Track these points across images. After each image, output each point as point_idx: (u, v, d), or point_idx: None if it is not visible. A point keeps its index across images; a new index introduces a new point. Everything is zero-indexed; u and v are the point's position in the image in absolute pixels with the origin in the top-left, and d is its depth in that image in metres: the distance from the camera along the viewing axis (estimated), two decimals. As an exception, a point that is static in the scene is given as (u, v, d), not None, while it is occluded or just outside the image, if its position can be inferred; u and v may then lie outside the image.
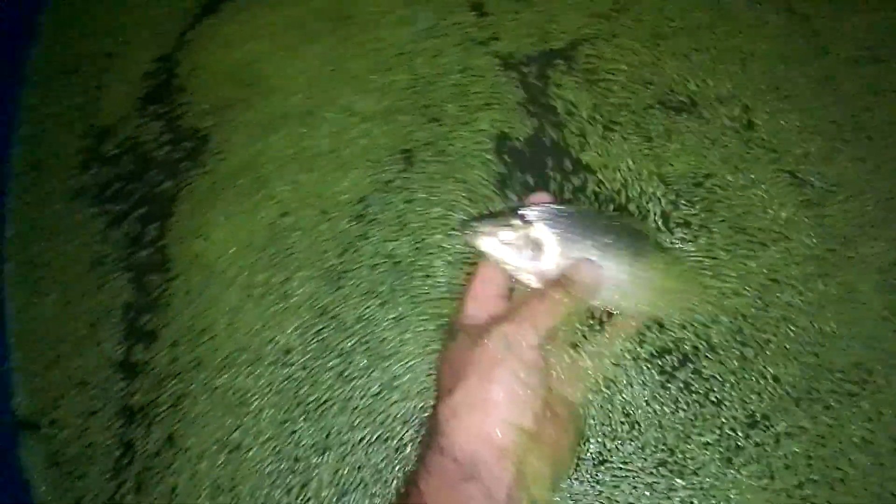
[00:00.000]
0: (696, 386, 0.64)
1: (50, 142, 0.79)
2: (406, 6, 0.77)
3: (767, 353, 0.64)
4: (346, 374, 0.65)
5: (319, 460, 0.63)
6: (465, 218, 0.69)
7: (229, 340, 0.66)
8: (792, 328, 0.65)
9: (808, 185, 0.68)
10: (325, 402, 0.64)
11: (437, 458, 0.51)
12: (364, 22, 0.77)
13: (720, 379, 0.64)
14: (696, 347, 0.65)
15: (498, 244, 0.59)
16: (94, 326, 0.71)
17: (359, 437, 0.63)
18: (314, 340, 0.65)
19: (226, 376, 0.66)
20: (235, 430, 0.65)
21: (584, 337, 0.61)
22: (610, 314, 0.62)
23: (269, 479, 0.63)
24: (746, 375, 0.64)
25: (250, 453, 0.64)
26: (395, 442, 0.64)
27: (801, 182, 0.69)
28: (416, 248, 0.69)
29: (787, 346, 0.65)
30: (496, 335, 0.54)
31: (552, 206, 0.60)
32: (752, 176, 0.68)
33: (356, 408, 0.64)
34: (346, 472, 0.62)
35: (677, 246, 0.67)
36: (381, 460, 0.63)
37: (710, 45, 0.73)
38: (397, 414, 0.64)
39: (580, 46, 0.72)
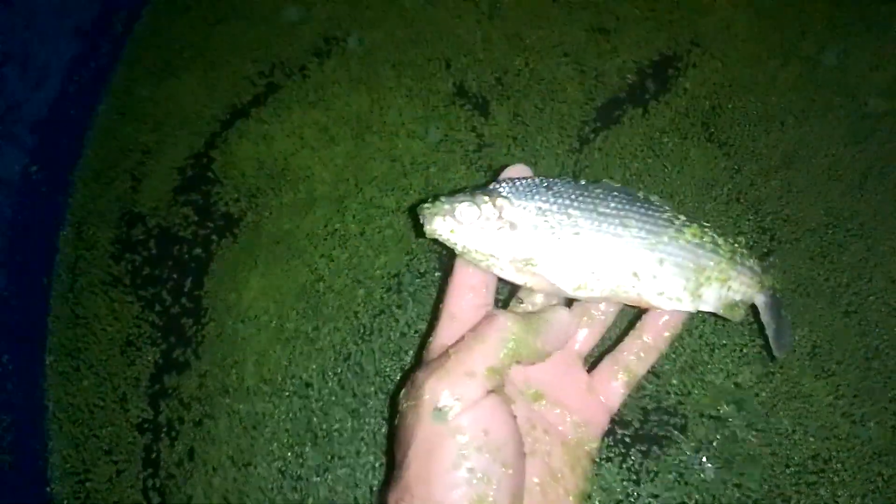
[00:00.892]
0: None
1: (89, 236, 0.90)
2: (417, 122, 0.89)
3: (733, 466, 0.71)
4: (359, 412, 0.76)
5: (318, 479, 0.75)
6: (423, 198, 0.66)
7: (255, 374, 0.79)
8: (753, 433, 0.72)
9: None
10: (334, 431, 0.76)
11: None
12: (381, 131, 0.89)
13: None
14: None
15: (462, 226, 0.49)
16: (124, 399, 0.82)
17: (363, 462, 0.74)
18: (334, 380, 0.78)
19: (247, 403, 0.78)
20: (249, 449, 0.77)
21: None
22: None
23: (272, 494, 0.75)
24: (708, 492, 0.70)
25: (258, 470, 0.76)
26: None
27: None
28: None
29: (751, 452, 0.72)
30: (425, 397, 0.42)
31: (530, 178, 0.51)
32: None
33: (363, 439, 0.75)
34: (340, 489, 0.74)
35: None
36: (380, 483, 0.74)
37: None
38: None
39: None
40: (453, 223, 0.48)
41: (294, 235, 0.85)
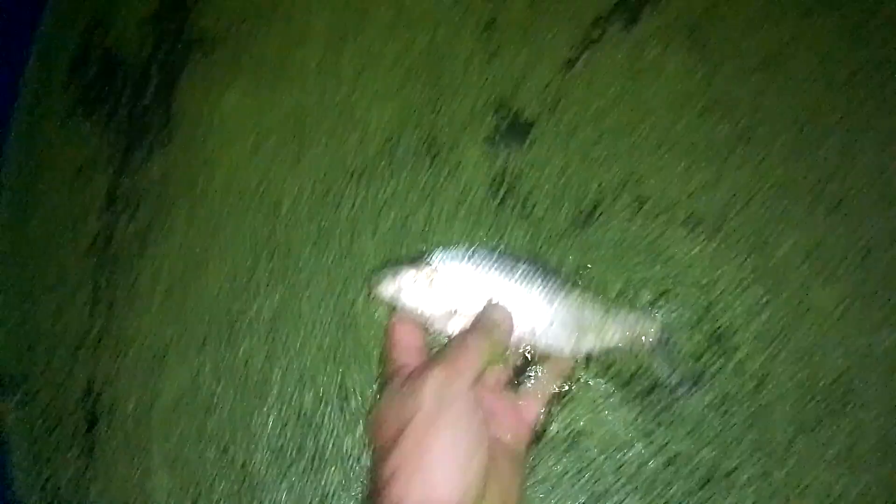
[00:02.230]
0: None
1: (53, 61, 0.89)
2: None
3: (759, 416, 0.70)
4: (319, 245, 0.78)
5: (264, 295, 0.77)
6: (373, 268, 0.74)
7: (223, 182, 0.81)
8: (778, 363, 0.71)
9: (700, 224, 0.75)
10: (292, 255, 0.78)
11: None
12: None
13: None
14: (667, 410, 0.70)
15: (403, 293, 0.64)
16: (74, 225, 0.82)
17: (310, 294, 0.76)
18: (305, 207, 0.79)
19: (210, 208, 0.80)
20: (202, 249, 0.79)
21: (522, 378, 0.66)
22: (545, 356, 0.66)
23: (216, 298, 0.77)
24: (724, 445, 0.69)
25: (208, 270, 0.78)
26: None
27: (695, 221, 0.75)
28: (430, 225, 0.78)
29: (779, 393, 0.70)
30: (425, 389, 0.53)
31: (460, 249, 0.66)
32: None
33: (318, 272, 0.77)
34: (286, 314, 0.76)
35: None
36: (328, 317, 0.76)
37: (613, 130, 0.79)
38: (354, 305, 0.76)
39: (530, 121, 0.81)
40: (393, 294, 0.64)
41: (281, 64, 0.85)
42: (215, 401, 0.74)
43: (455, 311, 0.64)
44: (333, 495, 0.70)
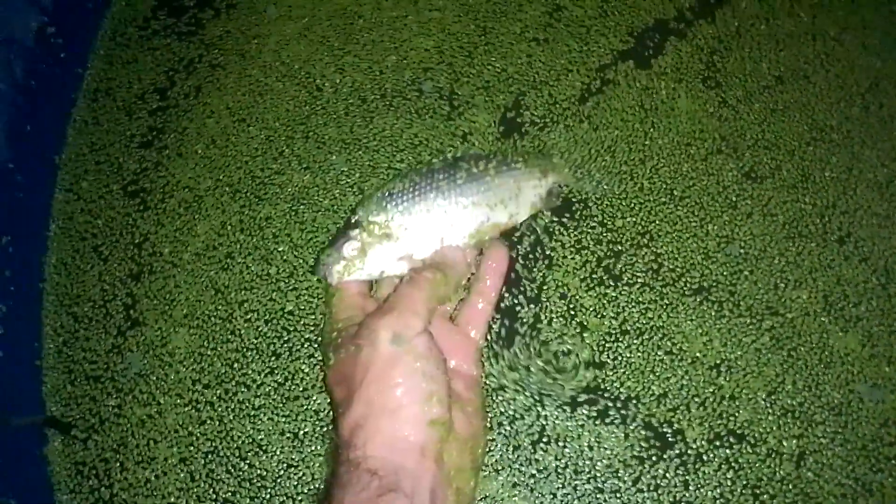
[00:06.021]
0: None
1: None
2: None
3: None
4: (350, 153, 0.82)
5: (296, 168, 0.83)
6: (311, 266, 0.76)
7: (273, 53, 0.88)
8: (818, 425, 0.68)
9: (711, 290, 0.74)
10: (325, 150, 0.83)
11: (353, 473, 0.50)
12: None
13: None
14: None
15: (352, 261, 0.62)
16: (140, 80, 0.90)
17: (334, 199, 0.82)
18: (342, 105, 0.85)
19: (259, 71, 0.88)
20: (248, 107, 0.87)
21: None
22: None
23: (253, 157, 0.84)
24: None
25: (249, 128, 0.86)
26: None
27: (707, 288, 0.74)
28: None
29: (816, 462, 0.67)
30: (381, 332, 0.53)
31: (385, 193, 0.65)
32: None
33: (349, 180, 0.82)
34: (307, 200, 0.83)
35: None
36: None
37: (625, 169, 0.79)
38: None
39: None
40: (344, 269, 0.63)
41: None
42: (234, 255, 0.81)
43: (409, 253, 0.64)
44: (302, 395, 0.75)
